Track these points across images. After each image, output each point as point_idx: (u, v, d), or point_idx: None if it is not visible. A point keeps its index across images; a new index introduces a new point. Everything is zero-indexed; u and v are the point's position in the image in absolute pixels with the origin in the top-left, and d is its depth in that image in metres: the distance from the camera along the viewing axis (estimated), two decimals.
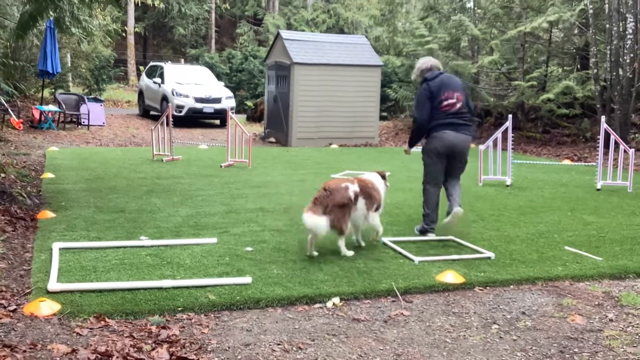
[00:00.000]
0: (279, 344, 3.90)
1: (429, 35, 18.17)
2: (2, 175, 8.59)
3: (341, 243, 5.67)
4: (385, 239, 6.21)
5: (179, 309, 4.36)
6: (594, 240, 6.52)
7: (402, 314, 4.48)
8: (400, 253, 5.83)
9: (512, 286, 5.15)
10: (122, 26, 28.83)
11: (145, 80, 21.89)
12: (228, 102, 19.99)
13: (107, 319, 4.11)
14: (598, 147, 9.71)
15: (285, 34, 16.90)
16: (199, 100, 19.54)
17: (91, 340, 3.80)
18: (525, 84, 15.87)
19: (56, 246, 5.55)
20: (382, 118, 20.26)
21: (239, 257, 5.57)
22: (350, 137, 16.52)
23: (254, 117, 21.90)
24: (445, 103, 6.41)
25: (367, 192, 5.80)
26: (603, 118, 9.88)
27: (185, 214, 7.24)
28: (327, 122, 16.21)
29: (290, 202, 8.04)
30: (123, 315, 4.22)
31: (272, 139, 16.96)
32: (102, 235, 6.14)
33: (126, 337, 3.87)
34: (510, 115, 10.15)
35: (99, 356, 3.58)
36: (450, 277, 5.14)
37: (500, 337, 4.13)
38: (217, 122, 20.87)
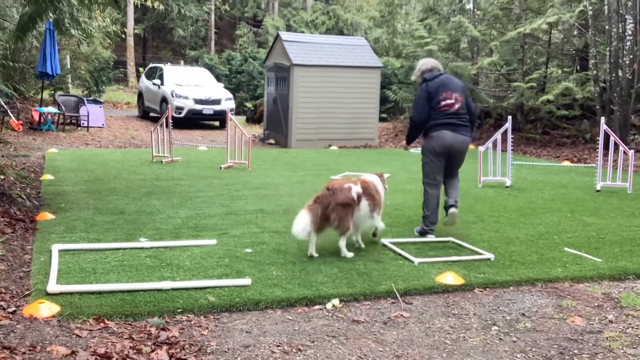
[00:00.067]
0: (278, 346, 3.89)
1: (429, 37, 18.17)
2: (2, 177, 8.59)
3: (342, 243, 5.67)
4: (385, 240, 6.22)
5: (179, 310, 4.36)
6: (593, 242, 6.52)
7: (401, 315, 4.48)
8: (399, 254, 5.82)
9: (511, 287, 5.15)
10: (121, 28, 28.83)
11: (144, 81, 21.90)
12: (227, 103, 20.00)
13: (106, 321, 4.11)
14: (598, 148, 9.72)
15: (284, 35, 16.91)
16: (198, 101, 19.55)
17: (90, 342, 3.80)
18: (525, 85, 15.87)
19: (55, 248, 5.54)
20: (381, 119, 20.27)
21: (239, 258, 5.56)
22: (350, 139, 16.52)
23: (254, 118, 21.91)
24: (443, 103, 6.43)
25: (369, 194, 5.83)
26: (603, 119, 9.88)
27: (184, 215, 7.24)
28: (326, 124, 16.21)
29: (289, 204, 8.03)
30: (122, 316, 4.22)
31: (272, 141, 16.96)
32: (102, 237, 6.14)
33: (125, 338, 3.87)
34: (509, 117, 10.17)
35: (99, 358, 3.57)
36: (450, 278, 5.14)
37: (500, 339, 4.13)
38: (217, 123, 20.87)
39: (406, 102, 19.70)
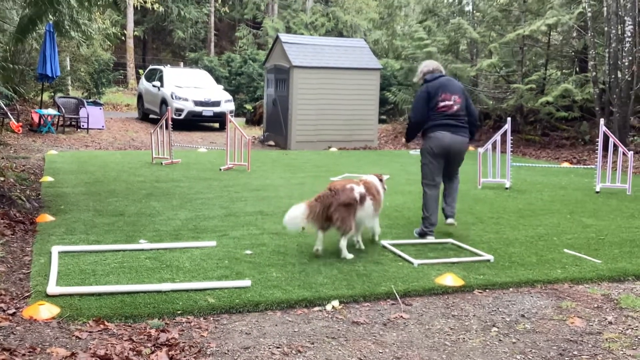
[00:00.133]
0: (278, 347, 3.89)
1: (428, 39, 18.19)
2: (2, 178, 8.59)
3: (343, 244, 5.68)
4: (385, 242, 6.22)
5: (178, 312, 4.36)
6: (593, 243, 6.52)
7: (401, 316, 4.48)
8: (399, 256, 5.83)
9: (511, 289, 5.16)
10: (121, 30, 28.89)
11: (144, 83, 21.91)
12: (227, 105, 20.00)
13: (106, 323, 4.11)
14: (597, 149, 9.73)
15: (284, 37, 16.92)
16: (198, 103, 19.56)
17: (90, 343, 3.80)
18: (524, 87, 15.88)
19: (55, 249, 5.55)
20: (381, 121, 20.29)
21: (238, 260, 5.57)
22: (350, 140, 16.52)
23: (253, 120, 21.91)
24: (442, 104, 6.47)
25: (372, 194, 5.88)
26: (602, 121, 9.89)
27: (184, 217, 7.24)
28: (326, 125, 16.22)
29: (289, 205, 7.97)
30: (122, 318, 4.22)
31: (271, 142, 16.97)
32: (102, 239, 6.14)
33: (125, 340, 3.87)
34: (509, 118, 10.18)
35: (98, 359, 3.57)
36: (450, 279, 5.14)
37: (500, 340, 4.13)
38: (217, 125, 20.87)
39: (406, 103, 19.72)
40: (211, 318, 4.34)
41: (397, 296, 4.84)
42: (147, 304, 4.42)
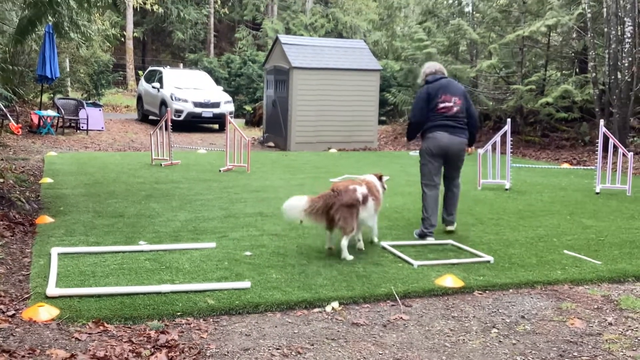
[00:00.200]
0: (278, 349, 3.89)
1: (428, 40, 18.19)
2: (1, 180, 8.59)
3: (344, 244, 5.69)
4: (385, 243, 6.22)
5: (178, 313, 4.35)
6: (593, 244, 6.52)
7: (401, 318, 4.48)
8: (399, 257, 5.82)
9: (511, 290, 5.15)
10: (121, 31, 28.88)
11: (144, 85, 21.91)
12: (227, 106, 20.00)
13: (105, 324, 4.11)
14: (597, 150, 9.73)
15: (283, 38, 16.93)
16: (197, 104, 19.56)
17: (90, 345, 3.79)
18: (524, 88, 15.88)
19: (55, 251, 5.54)
20: (380, 122, 20.29)
21: (238, 261, 5.56)
22: (349, 142, 16.52)
23: (253, 121, 21.91)
24: (441, 105, 6.52)
25: (373, 194, 5.95)
26: (602, 122, 9.89)
27: (184, 218, 7.23)
28: (325, 127, 16.22)
29: None
30: (122, 320, 4.22)
31: (271, 144, 16.97)
32: (101, 240, 6.14)
33: (125, 342, 3.86)
34: (509, 119, 10.18)
35: None
36: (450, 281, 5.14)
37: (500, 341, 4.12)
38: (216, 126, 20.86)
39: (405, 104, 19.72)
40: (211, 319, 4.34)
41: (397, 297, 4.84)
42: (147, 306, 4.42)
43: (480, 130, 17.41)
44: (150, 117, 21.31)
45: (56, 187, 9.00)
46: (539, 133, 16.90)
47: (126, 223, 6.90)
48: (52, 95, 20.13)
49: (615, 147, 9.56)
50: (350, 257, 5.69)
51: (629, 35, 13.74)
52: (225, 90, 22.50)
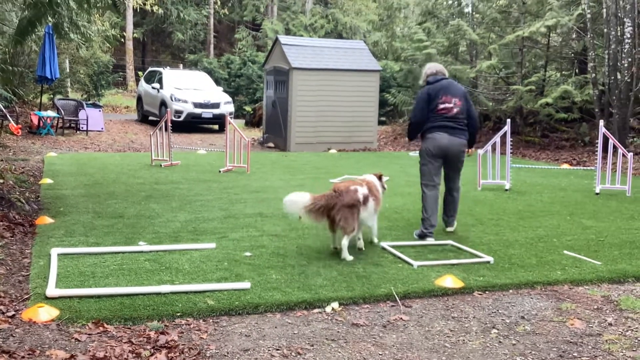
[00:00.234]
0: (277, 349, 3.89)
1: (427, 40, 18.19)
2: (1, 181, 8.59)
3: (345, 243, 5.70)
4: (384, 244, 6.22)
5: (178, 314, 4.35)
6: (592, 245, 6.52)
7: (401, 318, 4.48)
8: (399, 257, 5.83)
9: (511, 290, 5.15)
10: (120, 32, 28.88)
11: (143, 85, 21.90)
12: (227, 107, 20.00)
13: (105, 325, 4.11)
14: (597, 151, 9.73)
15: (283, 39, 16.93)
16: (197, 105, 19.56)
17: (90, 346, 3.79)
18: (524, 89, 15.88)
19: (55, 252, 5.54)
20: (380, 123, 20.29)
21: (238, 262, 5.56)
22: (349, 142, 16.52)
23: (253, 122, 21.91)
24: (441, 106, 6.55)
25: (374, 194, 5.99)
26: (601, 122, 9.89)
27: (183, 219, 7.23)
28: (325, 127, 16.22)
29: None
30: (122, 320, 4.22)
31: (271, 144, 16.97)
32: (101, 241, 6.14)
33: (125, 342, 3.86)
34: (508, 120, 10.18)
35: None
36: (449, 281, 5.14)
37: (500, 342, 4.12)
38: (216, 127, 20.86)
39: (405, 105, 19.72)
40: (210, 320, 4.34)
41: (397, 298, 4.84)
42: (147, 306, 4.42)
43: (480, 130, 17.42)
44: (150, 118, 21.31)
45: (56, 188, 9.00)
46: (538, 133, 16.90)
47: (126, 224, 6.90)
48: (52, 96, 20.13)
49: (615, 148, 9.57)
50: (350, 258, 5.69)
51: (629, 35, 13.74)
52: (225, 91, 22.50)
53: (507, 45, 17.05)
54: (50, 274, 4.96)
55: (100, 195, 8.52)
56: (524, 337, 4.21)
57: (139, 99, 22.23)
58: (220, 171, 11.22)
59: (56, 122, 16.89)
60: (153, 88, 20.67)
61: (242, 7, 37.98)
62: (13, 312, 4.25)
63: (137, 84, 26.68)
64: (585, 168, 12.71)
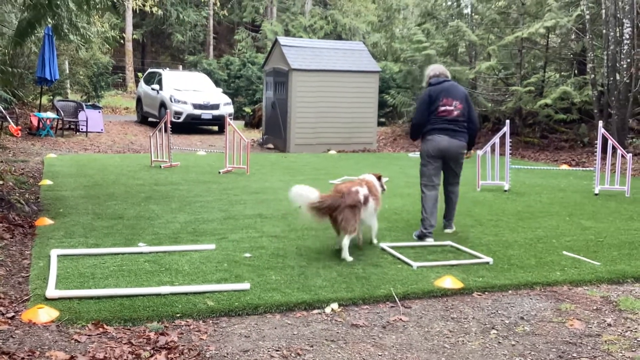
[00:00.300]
0: (277, 350, 3.89)
1: (427, 41, 18.20)
2: (1, 182, 8.59)
3: (346, 243, 5.72)
4: (384, 245, 6.23)
5: (178, 315, 4.36)
6: (592, 245, 6.52)
7: (400, 319, 4.48)
8: (398, 258, 5.83)
9: (510, 291, 5.16)
10: (120, 33, 28.87)
11: (143, 86, 21.91)
12: (226, 108, 20.01)
13: (105, 326, 4.11)
14: (596, 152, 9.73)
15: (283, 40, 16.94)
16: (197, 106, 19.56)
17: (89, 347, 3.80)
18: (523, 90, 15.89)
19: (54, 253, 5.54)
20: (380, 124, 20.30)
21: (237, 263, 5.57)
22: (349, 143, 16.53)
23: (252, 123, 21.92)
24: (442, 109, 6.58)
25: (373, 194, 6.07)
26: (600, 123, 9.90)
27: (183, 220, 7.24)
28: (325, 128, 16.23)
29: (288, 208, 8.02)
30: (121, 321, 4.22)
31: (270, 145, 16.97)
32: (101, 242, 6.14)
33: (124, 343, 3.87)
34: (507, 121, 10.19)
35: None
36: (449, 282, 5.15)
37: (499, 343, 4.13)
38: (216, 128, 20.87)
39: (404, 106, 19.72)
40: (210, 321, 4.34)
41: (397, 299, 4.84)
42: (146, 307, 4.42)
43: (480, 131, 17.42)
44: (150, 119, 21.31)
45: (55, 189, 9.00)
46: (537, 134, 16.91)
47: (125, 225, 6.90)
48: (51, 97, 20.13)
49: (614, 149, 9.58)
50: (350, 258, 5.70)
51: (628, 36, 13.75)
52: (224, 92, 22.50)
53: (506, 46, 17.07)
54: (50, 275, 4.96)
55: (99, 197, 8.52)
56: (523, 337, 4.21)
57: (139, 100, 22.23)
58: (219, 172, 11.22)
59: (56, 123, 16.89)
60: (152, 89, 20.68)
61: (242, 8, 37.99)
62: (13, 314, 4.25)
63: (137, 85, 26.69)
64: (584, 169, 12.72)
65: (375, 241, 6.34)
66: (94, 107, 18.75)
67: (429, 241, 6.52)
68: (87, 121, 17.10)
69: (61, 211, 7.50)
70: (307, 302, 4.67)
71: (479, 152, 10.01)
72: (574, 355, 3.93)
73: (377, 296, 4.86)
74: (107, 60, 24.60)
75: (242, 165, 11.45)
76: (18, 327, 4.04)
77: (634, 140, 14.33)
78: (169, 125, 11.83)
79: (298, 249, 6.09)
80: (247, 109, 23.98)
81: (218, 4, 35.95)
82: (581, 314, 4.65)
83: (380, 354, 3.90)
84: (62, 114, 16.87)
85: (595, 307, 4.80)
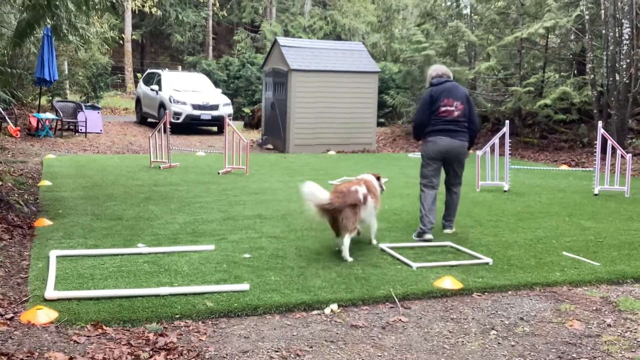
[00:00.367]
0: (276, 351, 3.89)
1: (426, 42, 18.20)
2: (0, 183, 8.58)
3: (347, 241, 5.74)
4: (383, 245, 6.22)
5: (177, 316, 4.35)
6: (591, 246, 6.52)
7: (400, 320, 4.48)
8: (398, 259, 5.83)
9: (510, 292, 5.15)
10: (119, 34, 28.87)
11: (142, 87, 21.90)
12: (225, 109, 20.00)
13: (104, 327, 4.10)
14: (595, 152, 9.73)
15: (282, 40, 16.94)
16: (196, 107, 19.55)
17: (88, 348, 3.79)
18: (522, 90, 15.90)
19: (53, 254, 5.53)
20: (379, 124, 20.29)
21: (237, 264, 5.56)
22: (348, 144, 16.53)
23: (252, 123, 21.92)
24: (442, 109, 6.61)
25: (372, 193, 6.13)
26: (600, 123, 9.90)
27: (182, 221, 7.23)
28: (324, 129, 16.23)
29: (288, 209, 8.04)
30: (120, 322, 4.21)
31: (270, 146, 16.97)
32: (100, 243, 6.13)
33: (123, 344, 3.86)
34: (507, 121, 10.19)
35: None
36: (448, 283, 5.14)
37: (499, 343, 4.12)
38: (215, 129, 20.87)
39: (404, 106, 19.72)
40: (209, 322, 4.34)
41: (396, 299, 4.84)
42: (146, 308, 4.41)
43: (479, 132, 17.42)
44: (149, 120, 21.31)
45: (55, 190, 9.00)
46: (537, 135, 16.91)
47: (125, 226, 6.90)
48: (50, 97, 20.13)
49: (613, 149, 9.58)
50: (350, 259, 5.70)
51: (627, 36, 13.76)
52: (224, 93, 22.50)
53: (506, 47, 17.08)
54: (49, 276, 4.95)
55: (99, 197, 8.52)
56: (523, 338, 4.21)
57: (138, 101, 22.22)
58: (219, 173, 11.22)
59: (55, 124, 16.88)
60: (152, 90, 20.67)
61: (241, 8, 37.98)
62: (12, 315, 4.25)
63: (136, 86, 26.67)
64: (584, 169, 12.73)
65: (374, 242, 6.34)
66: (93, 107, 18.74)
67: (428, 237, 6.54)
68: (86, 122, 17.09)
69: (60, 212, 7.49)
70: (306, 302, 4.67)
71: (479, 153, 10.02)
72: (574, 355, 3.93)
73: (376, 297, 4.85)
74: (106, 60, 24.60)
75: (241, 166, 11.44)
76: (17, 328, 4.03)
77: (634, 140, 14.34)
78: (168, 126, 11.83)
79: (297, 249, 6.08)
80: (247, 110, 23.98)
81: (217, 4, 35.98)
82: (581, 315, 4.64)
83: (379, 354, 3.90)
84: (61, 115, 16.86)
85: (594, 308, 4.80)
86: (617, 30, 14.11)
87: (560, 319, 4.54)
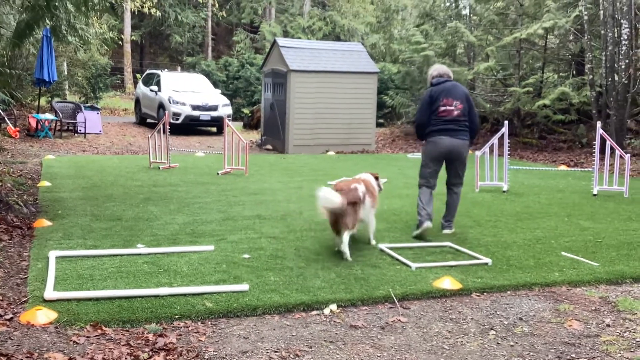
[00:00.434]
0: (276, 352, 3.89)
1: (425, 42, 18.21)
2: None
3: (346, 238, 5.76)
4: (382, 245, 6.23)
5: (176, 316, 4.35)
6: (590, 246, 6.53)
7: (399, 320, 4.48)
8: (397, 259, 5.83)
9: (509, 292, 5.16)
10: (118, 34, 28.88)
11: (141, 88, 21.89)
12: (225, 109, 20.00)
13: (104, 327, 4.11)
14: (594, 152, 9.74)
15: (281, 41, 16.94)
16: (195, 108, 19.54)
17: (88, 348, 3.79)
18: (521, 90, 15.91)
19: (53, 254, 5.53)
20: (378, 125, 20.30)
21: (236, 264, 5.56)
22: (347, 144, 16.54)
23: (251, 124, 21.91)
24: (442, 109, 6.64)
25: (370, 191, 6.19)
26: (599, 124, 9.90)
27: (182, 221, 7.23)
28: (323, 129, 16.23)
29: (287, 209, 8.04)
30: (120, 323, 4.21)
31: (269, 146, 16.97)
32: (99, 244, 6.13)
33: (123, 345, 3.86)
34: (506, 122, 10.20)
35: None
36: (448, 283, 5.15)
37: (498, 343, 4.13)
38: (214, 129, 20.87)
39: (403, 107, 19.73)
40: (209, 322, 4.34)
41: (395, 300, 4.84)
42: (145, 309, 4.41)
43: (479, 132, 17.42)
44: (148, 120, 21.30)
45: (54, 191, 8.99)
46: (536, 135, 16.93)
47: (124, 226, 6.90)
48: (50, 98, 20.12)
49: (612, 149, 9.59)
50: (350, 258, 5.71)
51: (626, 37, 13.77)
52: (223, 94, 22.49)
53: (505, 47, 17.09)
54: (49, 276, 4.96)
55: (98, 198, 8.52)
56: (522, 338, 4.22)
57: (137, 102, 22.22)
58: (218, 173, 11.22)
59: (54, 124, 16.88)
60: (151, 90, 20.67)
61: (240, 9, 37.99)
62: (11, 315, 4.25)
63: (135, 87, 26.67)
64: (582, 169, 12.73)
65: (373, 242, 6.35)
66: (93, 108, 18.73)
67: (426, 225, 6.56)
68: (85, 122, 17.09)
69: (59, 213, 7.49)
70: (305, 303, 4.67)
71: (478, 153, 10.02)
72: (573, 355, 3.94)
73: (375, 297, 4.86)
74: (106, 61, 24.59)
75: (240, 167, 11.44)
76: (16, 329, 4.03)
77: (633, 140, 14.34)
78: (167, 127, 11.83)
79: (297, 250, 6.09)
80: (246, 110, 23.98)
81: (216, 5, 36.00)
82: (580, 315, 4.65)
83: (379, 354, 3.90)
84: (61, 116, 16.85)
85: (593, 308, 4.81)
86: (615, 30, 14.12)
87: (559, 319, 4.55)
